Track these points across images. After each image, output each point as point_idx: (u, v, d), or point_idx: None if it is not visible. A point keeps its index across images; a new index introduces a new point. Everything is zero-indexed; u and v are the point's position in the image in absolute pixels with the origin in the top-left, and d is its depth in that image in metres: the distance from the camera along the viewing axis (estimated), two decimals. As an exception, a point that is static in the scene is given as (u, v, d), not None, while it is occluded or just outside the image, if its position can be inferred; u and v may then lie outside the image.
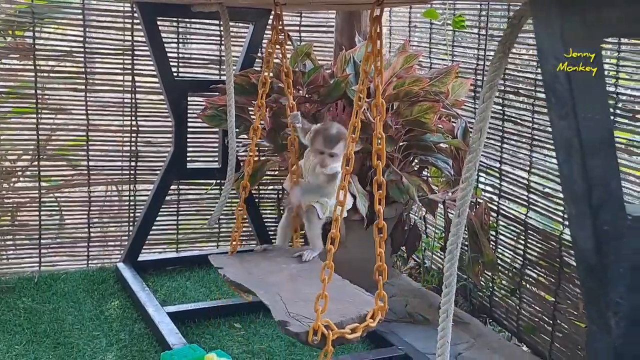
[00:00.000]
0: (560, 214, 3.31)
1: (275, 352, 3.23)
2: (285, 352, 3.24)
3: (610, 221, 1.37)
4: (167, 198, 4.24)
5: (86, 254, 4.26)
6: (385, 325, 3.28)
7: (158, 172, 4.23)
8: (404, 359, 3.13)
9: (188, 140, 4.16)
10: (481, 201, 3.78)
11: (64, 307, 3.58)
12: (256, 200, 4.48)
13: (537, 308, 3.50)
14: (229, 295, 3.80)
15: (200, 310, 3.55)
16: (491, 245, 3.74)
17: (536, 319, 3.50)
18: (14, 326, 3.35)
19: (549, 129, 3.38)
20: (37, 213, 4.10)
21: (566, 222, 3.27)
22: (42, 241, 4.14)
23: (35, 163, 4.08)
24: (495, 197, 3.82)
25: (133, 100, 4.25)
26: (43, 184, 4.12)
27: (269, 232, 4.41)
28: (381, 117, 2.30)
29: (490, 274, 3.83)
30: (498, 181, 3.78)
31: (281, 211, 4.53)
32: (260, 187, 4.55)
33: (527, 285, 3.59)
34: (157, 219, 4.19)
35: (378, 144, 2.32)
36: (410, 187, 3.61)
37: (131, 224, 4.35)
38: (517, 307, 3.63)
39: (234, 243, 3.12)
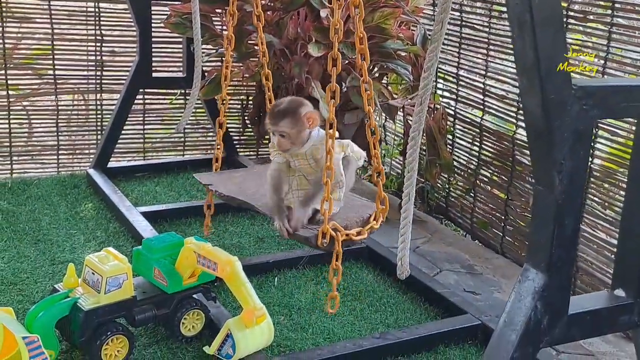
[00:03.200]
0: (514, 114, 3.53)
1: (244, 246, 3.42)
2: (254, 246, 3.44)
3: (556, 90, 1.56)
4: (133, 108, 4.30)
5: (56, 161, 4.34)
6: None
7: (124, 81, 4.28)
8: (366, 251, 3.35)
9: (153, 49, 4.21)
10: (439, 106, 3.97)
11: (40, 209, 3.69)
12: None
13: (490, 206, 3.77)
14: (197, 198, 3.96)
15: (172, 210, 3.70)
16: (448, 149, 3.96)
17: (489, 216, 3.77)
18: (-8, 226, 3.47)
19: (505, 34, 3.57)
20: (6, 121, 4.14)
21: (519, 123, 3.50)
22: (12, 149, 4.19)
23: (2, 72, 4.08)
24: (452, 102, 4.02)
25: (97, 9, 4.25)
26: (11, 92, 4.14)
27: (233, 142, 4.55)
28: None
29: (446, 176, 4.07)
30: (455, 86, 3.97)
31: (247, 123, 4.65)
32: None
33: (481, 185, 3.85)
34: (124, 128, 4.27)
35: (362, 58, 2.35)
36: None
37: (99, 132, 4.42)
38: (472, 206, 3.89)
39: (216, 163, 3.10)
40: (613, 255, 2.85)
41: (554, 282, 1.61)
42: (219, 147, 3.05)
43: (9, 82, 4.13)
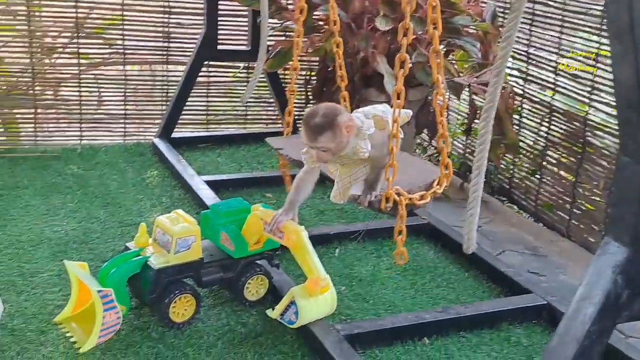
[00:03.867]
0: (587, 94, 3.44)
1: (305, 217, 3.44)
2: (315, 218, 3.46)
3: (649, 57, 1.51)
4: (198, 80, 4.36)
5: (123, 130, 4.44)
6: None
7: (190, 53, 4.34)
8: (427, 227, 3.33)
9: (219, 22, 4.25)
10: (506, 85, 3.90)
11: (108, 174, 3.80)
12: (282, 84, 4.59)
13: (557, 188, 3.69)
14: (258, 170, 4.01)
15: (234, 180, 3.76)
16: (514, 129, 3.89)
17: (555, 198, 3.69)
18: (64, 188, 3.58)
19: (581, 11, 3.46)
20: (77, 89, 4.26)
21: (593, 104, 3.41)
22: (82, 116, 4.31)
23: (74, 41, 4.19)
24: (520, 81, 3.93)
25: (166, -19, 4.32)
26: (82, 61, 4.25)
27: (295, 116, 4.56)
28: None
29: (511, 156, 4.00)
30: (525, 65, 3.88)
31: (309, 97, 4.65)
32: (286, 71, 4.64)
33: (548, 166, 3.77)
34: (188, 100, 4.34)
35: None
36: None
37: (164, 103, 4.50)
38: (537, 188, 3.81)
39: (287, 128, 3.14)
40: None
41: (637, 256, 1.57)
42: (290, 113, 3.08)
43: (80, 50, 4.24)
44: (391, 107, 2.29)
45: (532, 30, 3.83)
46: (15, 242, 3.00)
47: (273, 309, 2.51)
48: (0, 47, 4.10)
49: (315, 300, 2.44)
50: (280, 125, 4.60)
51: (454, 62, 4.23)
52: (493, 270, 2.92)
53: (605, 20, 3.18)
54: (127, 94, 4.41)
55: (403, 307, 2.69)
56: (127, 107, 4.43)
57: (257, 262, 2.65)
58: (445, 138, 2.41)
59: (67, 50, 4.23)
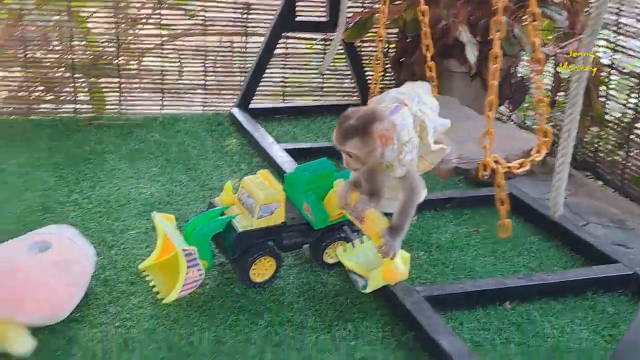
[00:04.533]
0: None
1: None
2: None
3: None
4: (275, 52, 4.39)
5: (202, 100, 4.54)
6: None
7: (268, 24, 4.38)
8: (509, 198, 3.26)
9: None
10: (593, 55, 3.77)
11: (189, 142, 3.90)
12: (360, 55, 4.57)
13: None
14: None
15: (313, 149, 3.77)
16: (600, 100, 3.77)
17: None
18: (148, 154, 3.70)
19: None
20: (159, 59, 4.37)
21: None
22: (163, 86, 4.43)
23: (157, 12, 4.30)
24: (609, 51, 3.80)
25: (246, -48, 4.37)
26: (164, 32, 4.36)
27: (368, 88, 4.54)
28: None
29: (596, 129, 3.87)
30: (614, 34, 3.75)
31: (385, 69, 4.62)
32: (363, 43, 4.63)
33: (636, 140, 3.63)
34: (265, 72, 4.38)
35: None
36: (523, 37, 3.63)
37: (242, 74, 4.57)
38: (623, 162, 3.69)
39: (374, 94, 3.14)
40: None
41: None
42: (375, 82, 3.09)
43: (162, 22, 4.35)
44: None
45: (622, -1, 3.69)
46: (104, 202, 3.13)
47: (345, 250, 2.49)
48: (88, 17, 4.25)
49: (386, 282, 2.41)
50: (355, 98, 4.60)
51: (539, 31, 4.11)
52: (577, 240, 2.85)
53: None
54: (206, 65, 4.51)
55: (483, 273, 2.67)
56: (207, 78, 4.53)
57: (340, 227, 2.65)
58: (542, 101, 2.36)
59: (150, 21, 4.35)
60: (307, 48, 4.69)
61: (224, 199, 2.60)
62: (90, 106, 4.33)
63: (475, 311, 2.40)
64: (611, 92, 3.80)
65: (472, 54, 3.63)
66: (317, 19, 4.52)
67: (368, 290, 2.39)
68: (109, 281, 2.51)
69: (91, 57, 4.26)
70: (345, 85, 4.79)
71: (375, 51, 3.15)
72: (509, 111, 4.40)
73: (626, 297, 2.52)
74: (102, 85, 4.35)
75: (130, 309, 2.35)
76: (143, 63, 4.39)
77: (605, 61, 3.80)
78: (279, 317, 2.35)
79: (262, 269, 2.52)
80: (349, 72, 4.63)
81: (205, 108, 4.53)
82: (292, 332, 2.28)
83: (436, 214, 3.14)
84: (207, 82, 4.53)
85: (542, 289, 2.49)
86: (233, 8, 4.45)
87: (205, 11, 4.40)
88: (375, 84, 3.12)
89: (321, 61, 4.56)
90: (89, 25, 4.26)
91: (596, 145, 3.91)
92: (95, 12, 4.26)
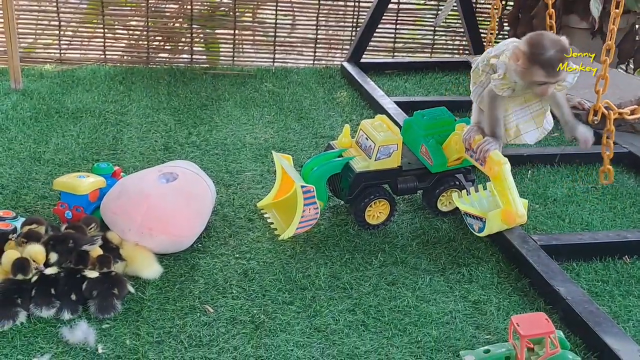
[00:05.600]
0: None
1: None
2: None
3: None
4: (388, 7, 4.39)
5: (313, 54, 4.61)
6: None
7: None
8: (627, 156, 3.16)
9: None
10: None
11: (300, 93, 3.99)
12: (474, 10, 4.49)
13: None
14: (446, 96, 4.00)
15: (425, 102, 3.72)
16: None
17: None
18: (261, 102, 3.82)
19: None
20: (274, 12, 4.47)
21: None
22: (276, 39, 4.53)
23: (274, -35, 4.39)
24: None
25: None
26: (279, -16, 4.45)
27: (482, 43, 4.47)
28: None
29: None
30: None
31: (503, 24, 4.51)
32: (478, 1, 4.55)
33: None
34: (377, 27, 4.38)
35: None
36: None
37: (354, 29, 4.59)
38: None
39: (489, 46, 3.12)
40: None
41: None
42: (492, 31, 3.06)
43: (278, -25, 4.43)
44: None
45: None
46: (220, 144, 3.26)
47: (460, 196, 2.53)
48: (208, -30, 4.39)
49: (505, 226, 2.42)
50: (467, 54, 4.54)
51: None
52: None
53: None
54: (319, 19, 4.56)
55: (601, 228, 2.61)
56: (319, 31, 4.59)
57: (455, 174, 2.67)
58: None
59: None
60: (419, 5, 4.66)
61: (342, 142, 2.66)
62: (205, 56, 4.49)
63: (594, 263, 2.37)
64: None
65: (595, 8, 3.50)
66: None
67: (485, 232, 2.40)
68: (227, 217, 2.63)
69: (209, 8, 4.41)
70: (457, 42, 4.73)
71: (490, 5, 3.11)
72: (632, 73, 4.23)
73: None
74: (218, 36, 4.49)
75: (248, 242, 2.46)
76: (258, 16, 4.50)
77: None
78: (392, 258, 2.40)
79: (376, 212, 2.58)
80: (461, 29, 4.57)
81: (316, 62, 4.60)
82: (406, 272, 2.33)
83: (552, 169, 3.09)
84: (318, 36, 4.59)
85: (665, 245, 2.41)
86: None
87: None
88: (492, 33, 3.08)
89: (434, 16, 4.52)
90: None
91: None
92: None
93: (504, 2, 4.50)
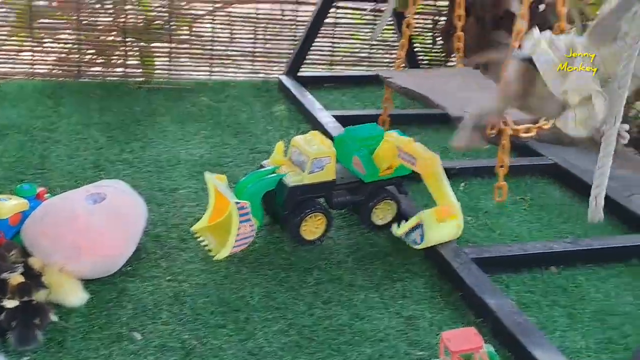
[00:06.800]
0: None
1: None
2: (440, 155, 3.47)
3: None
4: (325, 21, 4.41)
5: (251, 67, 4.59)
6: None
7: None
8: (553, 167, 3.26)
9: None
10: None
11: (238, 107, 3.97)
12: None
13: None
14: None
15: (361, 116, 3.79)
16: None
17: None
18: (198, 117, 3.78)
19: None
20: (210, 26, 4.44)
21: None
22: (213, 52, 4.50)
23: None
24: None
25: None
26: (216, -2, 4.42)
27: (416, 58, 4.55)
28: None
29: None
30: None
31: (436, 40, 4.59)
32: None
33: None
34: (315, 41, 4.40)
35: None
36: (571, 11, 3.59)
37: (292, 42, 4.60)
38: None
39: (398, 60, 3.21)
40: None
41: None
42: (403, 47, 3.14)
43: (216, -12, 4.40)
44: None
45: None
46: (154, 161, 3.20)
47: (399, 227, 2.56)
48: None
49: (443, 225, 2.48)
50: (404, 67, 4.60)
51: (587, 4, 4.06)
52: (623, 209, 2.85)
53: None
54: (257, 32, 4.55)
55: (530, 239, 2.69)
56: (256, 45, 4.58)
57: (387, 187, 2.71)
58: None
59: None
60: (357, 18, 4.70)
61: (275, 159, 2.65)
62: (139, 70, 4.41)
63: (522, 274, 2.43)
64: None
65: (523, 25, 3.58)
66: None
67: (425, 240, 2.44)
68: (159, 237, 2.58)
69: (144, 21, 4.34)
70: (394, 55, 4.79)
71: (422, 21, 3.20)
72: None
73: (671, 266, 2.52)
74: (153, 50, 4.43)
75: (181, 264, 2.42)
76: (194, 29, 4.46)
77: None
78: (328, 275, 2.41)
79: (312, 227, 2.58)
80: (396, 43, 4.63)
81: (254, 75, 4.59)
82: (341, 289, 2.33)
83: (482, 181, 3.16)
84: (256, 50, 4.58)
85: (588, 254, 2.51)
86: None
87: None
88: (403, 48, 3.20)
89: (371, 31, 4.57)
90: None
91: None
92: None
93: (436, 18, 4.60)
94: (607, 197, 2.86)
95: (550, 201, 3.02)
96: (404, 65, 3.50)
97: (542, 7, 3.85)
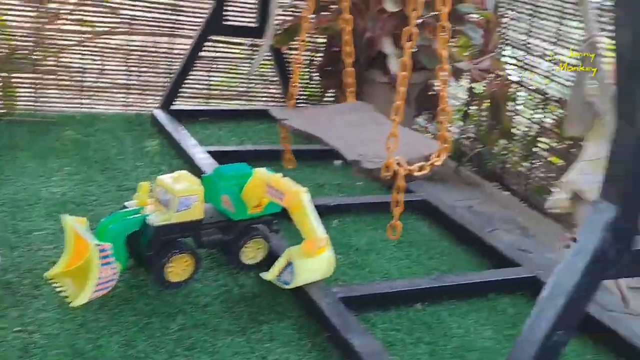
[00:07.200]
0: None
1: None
2: (314, 192, 3.44)
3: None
4: (202, 54, 4.37)
5: (124, 100, 4.45)
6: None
7: (195, 26, 4.35)
8: (423, 203, 3.37)
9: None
10: (502, 73, 3.96)
11: (108, 141, 3.82)
12: (286, 62, 4.61)
13: (548, 174, 3.76)
14: (261, 144, 4.04)
15: (237, 152, 3.77)
16: (509, 115, 3.97)
17: (544, 183, 3.77)
18: (62, 152, 3.59)
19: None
20: (80, 56, 4.27)
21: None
22: (83, 84, 4.32)
23: (80, 7, 4.20)
24: (517, 70, 4.01)
25: (174, -47, 4.33)
26: (87, 29, 4.26)
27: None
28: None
29: (504, 142, 4.07)
30: (524, 53, 3.95)
31: (312, 76, 4.66)
32: (291, 51, 4.67)
33: (540, 152, 3.84)
34: (190, 74, 4.34)
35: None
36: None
37: (167, 75, 4.51)
38: (528, 173, 3.89)
39: (291, 100, 3.23)
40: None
41: (625, 215, 1.64)
42: (294, 85, 3.13)
43: (85, 18, 4.24)
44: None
45: (532, 20, 3.90)
46: (10, 200, 3.00)
47: (268, 272, 2.54)
48: (5, 9, 4.10)
49: (312, 261, 2.47)
50: (283, 102, 4.63)
51: (455, 48, 4.29)
52: (484, 244, 2.98)
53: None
54: (129, 64, 4.43)
55: (398, 275, 2.75)
56: (130, 77, 4.45)
57: (257, 226, 2.68)
58: (445, 111, 2.49)
59: (72, 17, 4.24)
60: (235, 53, 4.69)
61: (139, 199, 2.55)
62: (1, 102, 4.16)
63: (389, 312, 2.47)
64: (519, 107, 4.00)
65: (394, 65, 3.73)
66: (246, 24, 4.52)
67: (295, 279, 2.42)
68: (10, 284, 2.40)
69: (5, 51, 4.11)
70: (272, 90, 4.82)
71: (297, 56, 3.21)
72: (427, 122, 4.56)
73: (526, 298, 2.65)
74: (15, 80, 4.19)
75: (32, 312, 2.25)
76: (61, 60, 4.27)
77: (515, 78, 4.00)
78: (192, 320, 2.33)
79: (179, 268, 2.49)
80: (275, 78, 4.66)
81: (127, 108, 4.45)
82: (206, 335, 2.26)
83: (356, 218, 3.21)
84: (129, 82, 4.45)
85: (451, 290, 2.59)
86: (162, 8, 4.39)
87: (132, 9, 4.33)
88: (294, 87, 3.20)
89: (249, 66, 4.58)
90: (6, 17, 4.11)
91: (504, 157, 4.10)
92: (15, 4, 4.11)
93: (313, 54, 4.68)
94: (469, 232, 3.05)
95: (419, 237, 3.11)
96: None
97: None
